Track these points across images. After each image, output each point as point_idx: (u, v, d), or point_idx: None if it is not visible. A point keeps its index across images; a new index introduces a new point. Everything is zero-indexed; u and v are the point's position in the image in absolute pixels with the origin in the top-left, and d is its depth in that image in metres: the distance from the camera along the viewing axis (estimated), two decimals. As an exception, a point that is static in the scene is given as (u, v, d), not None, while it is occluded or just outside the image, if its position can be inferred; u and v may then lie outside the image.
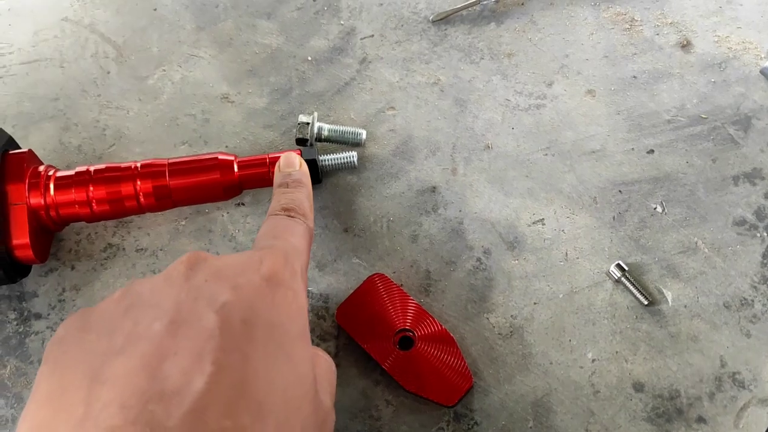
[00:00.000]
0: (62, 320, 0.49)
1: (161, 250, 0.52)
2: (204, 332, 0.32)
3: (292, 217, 0.43)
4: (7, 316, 0.50)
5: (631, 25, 0.59)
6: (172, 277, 0.35)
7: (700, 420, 0.45)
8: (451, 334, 0.47)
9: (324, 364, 0.39)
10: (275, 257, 0.37)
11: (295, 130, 0.53)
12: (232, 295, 0.34)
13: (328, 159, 0.53)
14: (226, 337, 0.32)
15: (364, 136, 0.54)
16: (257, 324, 0.33)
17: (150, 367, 0.31)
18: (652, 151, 0.54)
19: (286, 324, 0.35)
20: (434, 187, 0.53)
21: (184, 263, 0.36)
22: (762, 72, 0.56)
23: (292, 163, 0.49)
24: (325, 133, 0.54)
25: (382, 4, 0.62)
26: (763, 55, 0.57)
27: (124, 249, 0.52)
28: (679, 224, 0.51)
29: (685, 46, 0.58)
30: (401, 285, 0.50)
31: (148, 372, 0.30)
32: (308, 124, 0.53)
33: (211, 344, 0.31)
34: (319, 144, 0.55)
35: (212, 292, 0.34)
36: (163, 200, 0.49)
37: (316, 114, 0.54)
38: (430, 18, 0.60)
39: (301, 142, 0.53)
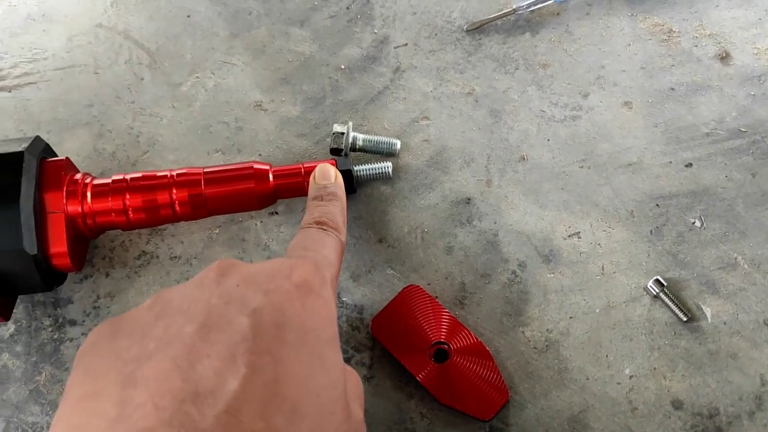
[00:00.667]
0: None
1: (195, 258, 0.52)
2: (236, 335, 0.32)
3: (324, 230, 0.43)
4: (42, 323, 0.50)
5: (668, 37, 0.58)
6: (203, 283, 0.36)
7: (740, 439, 0.44)
8: (487, 348, 0.47)
9: (352, 378, 0.39)
10: (305, 265, 0.37)
11: (329, 140, 0.53)
12: (264, 299, 0.34)
13: (362, 169, 0.53)
14: (259, 340, 0.32)
15: (398, 146, 0.54)
16: (289, 328, 0.34)
17: (183, 369, 0.31)
18: (690, 165, 0.53)
19: (317, 329, 0.35)
20: (469, 199, 0.53)
21: (214, 270, 0.36)
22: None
23: (328, 176, 0.49)
24: (360, 143, 0.54)
25: (416, 13, 0.61)
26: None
27: (158, 257, 0.52)
28: (718, 239, 0.50)
29: (724, 58, 0.57)
30: (436, 297, 0.49)
31: (181, 374, 0.30)
32: (343, 134, 0.53)
33: (244, 347, 0.32)
34: (353, 154, 0.54)
35: (243, 296, 0.34)
36: (199, 209, 0.49)
37: (350, 124, 0.53)
38: (465, 27, 0.60)
39: (335, 152, 0.53)
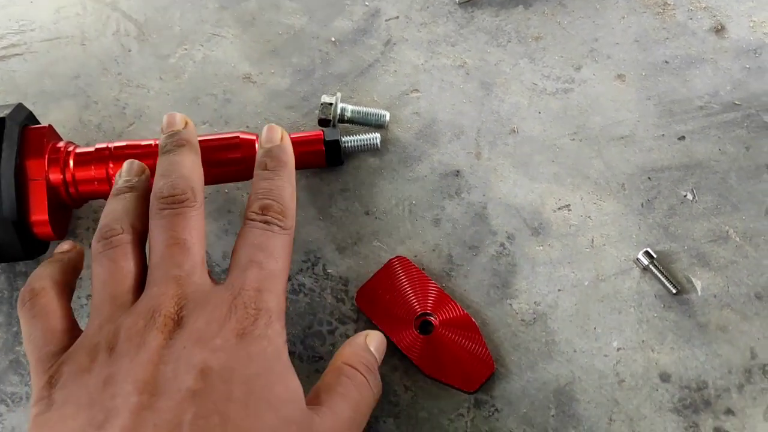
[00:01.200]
0: (78, 298, 0.49)
1: (180, 229, 0.51)
2: (183, 402, 0.33)
3: (268, 224, 0.40)
4: (24, 293, 0.50)
5: (663, 9, 0.57)
6: (150, 347, 0.35)
7: (729, 412, 0.43)
8: (473, 320, 0.46)
9: (354, 397, 0.39)
10: (246, 308, 0.37)
11: (317, 111, 0.53)
12: (210, 358, 0.35)
13: (350, 140, 0.52)
14: (206, 401, 0.33)
15: (387, 118, 0.53)
16: (235, 382, 0.34)
17: None
18: (683, 138, 0.52)
19: (262, 374, 0.36)
20: (458, 171, 0.52)
21: (160, 329, 0.36)
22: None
23: (273, 137, 0.45)
24: (348, 114, 0.53)
25: (407, -15, 0.60)
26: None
27: (142, 228, 0.52)
28: (709, 212, 0.49)
29: (719, 31, 0.56)
30: (423, 269, 0.49)
31: None
32: (331, 104, 0.52)
33: (190, 413, 0.33)
34: (341, 125, 0.54)
35: (189, 358, 0.35)
36: (183, 178, 0.48)
37: (339, 95, 0.53)
38: (457, 0, 0.59)
39: (323, 122, 0.52)
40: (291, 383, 0.37)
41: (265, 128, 0.45)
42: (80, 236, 0.51)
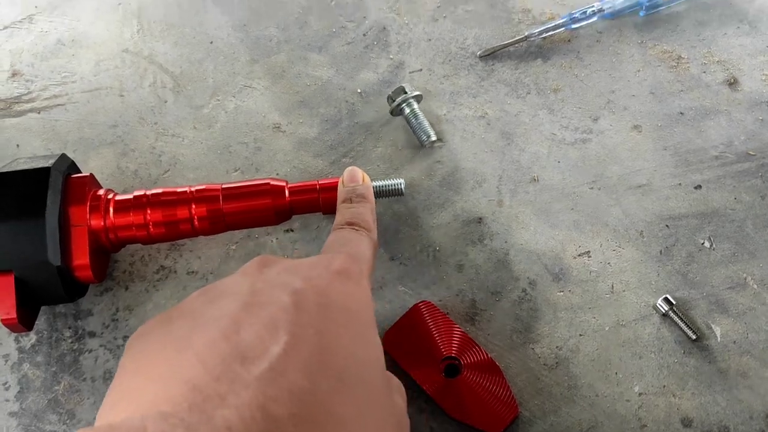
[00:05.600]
0: (115, 338, 0.51)
1: (211, 273, 0.53)
2: (279, 310, 0.34)
3: (356, 230, 0.45)
4: (62, 334, 0.51)
5: (677, 63, 0.60)
6: (246, 272, 0.38)
7: (750, 458, 0.44)
8: (498, 364, 0.47)
9: (393, 379, 0.41)
10: (343, 257, 0.40)
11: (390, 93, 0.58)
12: (305, 284, 0.36)
13: (375, 185, 0.54)
14: (301, 315, 0.34)
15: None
16: (333, 307, 0.36)
17: (228, 336, 0.33)
18: (699, 187, 0.54)
19: (358, 311, 0.37)
20: (480, 218, 0.54)
21: (256, 261, 0.39)
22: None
23: (355, 178, 0.51)
24: (407, 111, 0.57)
25: (430, 40, 0.63)
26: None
27: (175, 271, 0.54)
28: (727, 260, 0.51)
29: (732, 83, 0.58)
30: (447, 313, 0.50)
31: (228, 340, 0.32)
32: (406, 92, 0.57)
33: (286, 319, 0.34)
34: (365, 168, 0.56)
35: (285, 281, 0.36)
36: (217, 224, 0.51)
37: (418, 94, 0.57)
38: (478, 53, 0.62)
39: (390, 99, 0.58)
40: (377, 337, 0.38)
41: (347, 171, 0.51)
42: (117, 279, 0.53)
